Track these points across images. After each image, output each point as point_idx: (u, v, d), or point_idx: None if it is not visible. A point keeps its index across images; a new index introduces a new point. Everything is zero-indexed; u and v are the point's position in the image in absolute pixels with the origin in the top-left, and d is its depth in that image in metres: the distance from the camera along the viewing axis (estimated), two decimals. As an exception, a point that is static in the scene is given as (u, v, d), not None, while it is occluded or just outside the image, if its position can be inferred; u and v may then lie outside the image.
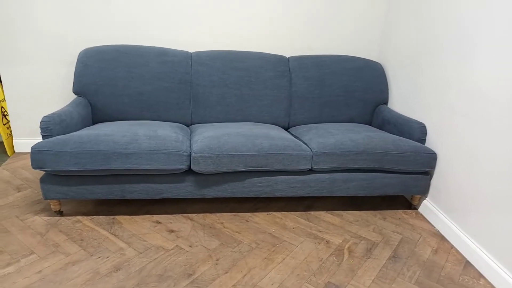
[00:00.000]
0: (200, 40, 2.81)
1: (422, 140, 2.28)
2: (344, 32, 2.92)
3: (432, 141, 2.23)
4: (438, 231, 2.13)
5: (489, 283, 1.72)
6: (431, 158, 2.15)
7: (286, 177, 2.11)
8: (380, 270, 1.77)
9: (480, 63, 1.83)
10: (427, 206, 2.26)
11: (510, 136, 1.64)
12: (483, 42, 1.82)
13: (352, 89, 2.70)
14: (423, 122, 2.31)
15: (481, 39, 1.84)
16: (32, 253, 1.74)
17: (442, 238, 2.06)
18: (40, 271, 1.62)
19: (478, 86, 1.85)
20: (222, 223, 2.09)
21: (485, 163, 1.79)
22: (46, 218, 2.04)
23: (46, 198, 1.97)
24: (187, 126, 2.56)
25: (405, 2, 2.59)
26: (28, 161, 2.76)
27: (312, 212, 2.26)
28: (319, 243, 1.95)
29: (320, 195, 2.18)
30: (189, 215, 2.16)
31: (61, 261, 1.70)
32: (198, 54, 2.58)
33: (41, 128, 1.93)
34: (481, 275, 1.77)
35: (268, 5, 2.78)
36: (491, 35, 1.77)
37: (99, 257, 1.74)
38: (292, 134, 2.47)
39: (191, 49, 2.82)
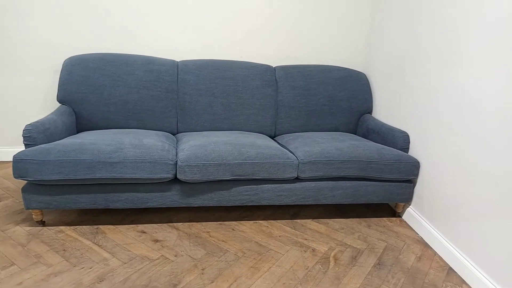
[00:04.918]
0: (187, 49, 2.82)
1: (405, 148, 2.32)
2: (329, 42, 2.97)
3: (415, 150, 2.27)
4: (421, 238, 2.17)
5: (471, 289, 1.75)
6: (414, 166, 2.19)
7: (272, 185, 2.12)
8: (366, 277, 1.78)
9: (465, 71, 1.87)
10: (411, 214, 2.29)
11: (493, 144, 1.69)
12: (468, 50, 1.85)
13: (337, 98, 2.74)
14: (406, 130, 2.36)
15: (466, 48, 1.87)
16: (12, 264, 1.70)
17: (426, 245, 2.09)
18: (20, 283, 1.58)
19: (463, 94, 1.89)
20: (208, 232, 2.08)
21: (467, 171, 1.83)
22: (28, 228, 2.00)
23: (28, 208, 1.93)
24: (173, 134, 2.55)
25: (389, 12, 2.66)
26: (10, 170, 2.71)
27: (298, 220, 2.27)
28: (305, 251, 1.96)
29: (306, 203, 2.19)
30: (175, 224, 2.14)
31: (42, 273, 1.66)
32: (185, 63, 2.59)
33: (24, 137, 1.90)
34: (463, 281, 1.80)
35: (254, 16, 2.81)
36: (477, 43, 1.81)
37: (82, 268, 1.71)
38: (278, 143, 2.48)
39: (178, 58, 2.83)
